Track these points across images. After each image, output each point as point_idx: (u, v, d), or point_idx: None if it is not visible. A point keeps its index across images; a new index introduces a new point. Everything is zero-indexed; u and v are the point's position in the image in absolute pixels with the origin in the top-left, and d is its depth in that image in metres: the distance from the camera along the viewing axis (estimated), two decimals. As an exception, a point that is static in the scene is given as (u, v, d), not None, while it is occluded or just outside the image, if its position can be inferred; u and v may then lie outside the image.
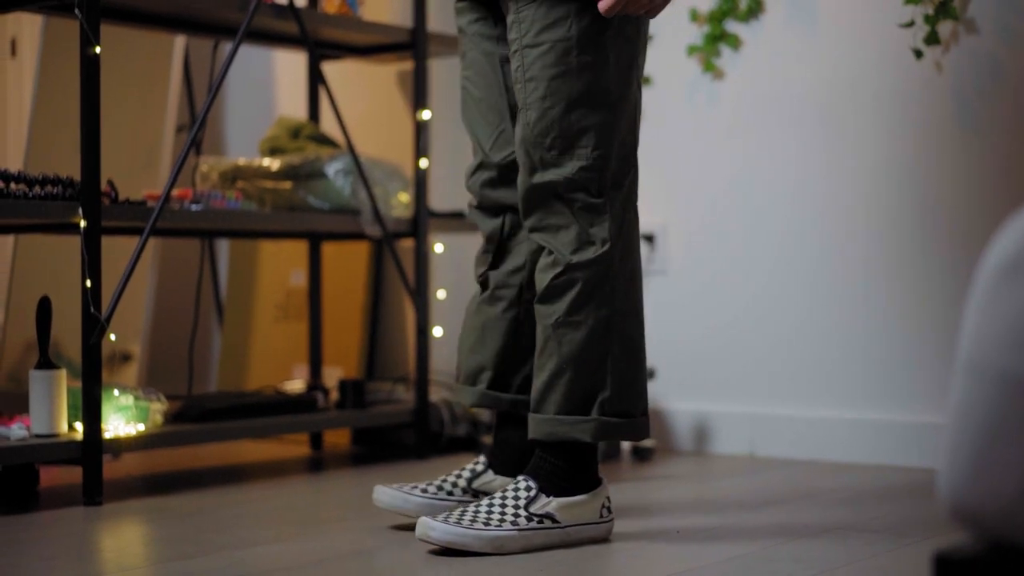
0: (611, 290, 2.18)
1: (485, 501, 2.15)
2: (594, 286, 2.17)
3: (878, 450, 3.08)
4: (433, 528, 2.07)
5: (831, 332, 3.17)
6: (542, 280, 2.20)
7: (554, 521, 2.14)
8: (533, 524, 2.12)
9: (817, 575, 1.94)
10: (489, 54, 2.34)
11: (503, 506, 2.13)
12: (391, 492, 2.33)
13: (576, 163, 2.16)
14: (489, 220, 2.39)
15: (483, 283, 2.40)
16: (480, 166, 2.37)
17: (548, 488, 2.15)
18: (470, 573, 1.99)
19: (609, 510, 2.22)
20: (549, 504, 2.14)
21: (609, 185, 2.19)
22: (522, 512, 2.12)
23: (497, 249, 2.38)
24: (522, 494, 2.14)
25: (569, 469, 2.18)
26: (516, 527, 2.11)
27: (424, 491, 2.33)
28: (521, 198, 2.22)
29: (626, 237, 2.21)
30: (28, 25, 4.36)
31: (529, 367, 2.33)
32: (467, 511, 2.12)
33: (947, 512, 1.09)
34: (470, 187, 2.40)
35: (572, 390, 2.17)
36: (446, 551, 2.08)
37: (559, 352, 2.17)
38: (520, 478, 2.17)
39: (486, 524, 2.09)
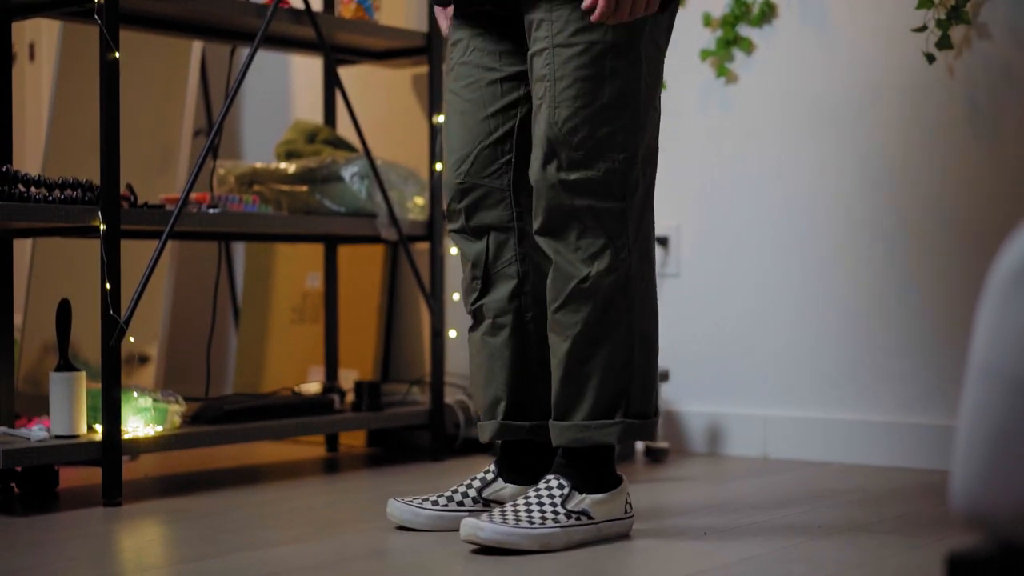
0: (632, 294, 2.20)
1: (521, 501, 2.17)
2: (616, 291, 2.18)
3: (891, 452, 3.08)
4: (481, 528, 2.09)
5: (844, 334, 3.18)
6: (560, 289, 2.19)
7: (589, 517, 2.17)
8: (572, 521, 2.15)
9: (831, 576, 1.96)
10: (489, 69, 2.32)
11: (540, 505, 2.15)
12: (401, 507, 2.34)
13: (604, 164, 2.16)
14: (473, 244, 2.35)
15: (476, 313, 2.36)
16: (463, 186, 2.33)
17: (580, 486, 2.18)
18: (488, 572, 2.00)
19: (631, 505, 2.26)
20: (584, 501, 2.17)
21: (632, 188, 2.20)
22: (560, 510, 2.15)
23: (484, 275, 2.35)
24: (556, 492, 2.17)
25: (595, 467, 2.20)
26: (558, 524, 2.13)
27: (434, 503, 2.34)
28: (539, 194, 2.20)
29: (643, 239, 2.22)
30: (46, 30, 4.39)
31: (541, 389, 2.33)
32: (507, 511, 2.14)
33: (960, 515, 1.10)
34: (453, 209, 2.36)
35: (600, 396, 2.19)
36: (488, 550, 2.09)
37: (585, 360, 2.19)
38: (550, 477, 2.19)
39: (530, 523, 2.11)
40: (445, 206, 2.39)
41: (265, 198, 3.23)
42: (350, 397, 3.39)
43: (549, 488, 2.17)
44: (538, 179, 2.20)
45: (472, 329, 2.38)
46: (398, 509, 2.34)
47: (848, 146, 3.18)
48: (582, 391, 2.19)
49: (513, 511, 2.14)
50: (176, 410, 2.89)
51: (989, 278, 1.10)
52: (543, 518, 2.13)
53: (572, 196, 2.17)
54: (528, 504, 2.15)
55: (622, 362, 2.19)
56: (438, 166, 3.31)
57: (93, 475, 2.75)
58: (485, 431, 2.37)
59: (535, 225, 2.22)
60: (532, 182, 2.22)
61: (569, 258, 2.18)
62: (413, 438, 3.61)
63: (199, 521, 2.52)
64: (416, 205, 3.33)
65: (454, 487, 2.38)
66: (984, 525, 1.08)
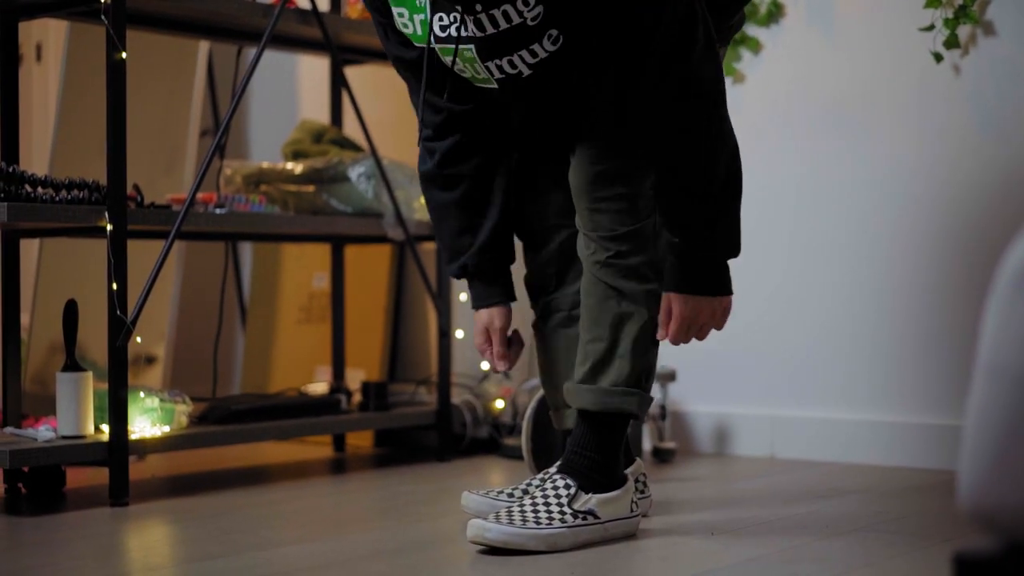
0: (654, 261, 2.24)
1: (527, 501, 2.17)
2: (642, 260, 2.22)
3: (898, 452, 3.08)
4: (488, 529, 2.09)
5: (851, 335, 3.18)
6: (596, 257, 2.23)
7: (595, 517, 2.17)
8: (579, 521, 2.15)
9: (838, 576, 1.96)
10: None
11: (547, 505, 2.15)
12: (478, 499, 2.38)
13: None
14: (546, 248, 2.42)
15: (548, 306, 2.42)
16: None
17: (586, 485, 2.18)
18: (497, 571, 2.00)
19: (637, 504, 2.27)
20: (590, 501, 2.18)
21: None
22: (567, 509, 2.15)
23: (558, 272, 2.40)
24: (562, 492, 2.17)
25: (604, 463, 2.20)
26: (565, 524, 2.14)
27: (510, 495, 2.38)
28: (591, 177, 2.23)
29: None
30: (53, 30, 4.39)
31: None
32: (513, 511, 2.14)
33: (966, 514, 1.10)
34: (550, 214, 2.39)
35: (634, 364, 2.22)
36: (495, 551, 2.09)
37: (619, 328, 2.22)
38: (556, 476, 2.20)
39: (537, 523, 2.11)
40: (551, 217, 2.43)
41: (272, 198, 3.23)
42: (357, 397, 3.40)
43: (556, 488, 2.17)
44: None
45: (541, 323, 2.43)
46: (475, 501, 2.38)
47: (855, 145, 3.17)
48: (612, 357, 2.22)
49: (520, 511, 2.14)
50: (183, 410, 2.89)
51: (995, 278, 1.10)
52: (550, 518, 2.13)
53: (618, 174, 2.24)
54: (535, 504, 2.15)
55: (652, 333, 2.24)
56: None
57: (100, 475, 2.76)
58: (570, 418, 2.38)
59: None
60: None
61: (598, 230, 2.23)
62: (420, 438, 3.61)
63: (206, 521, 2.52)
64: (422, 205, 3.33)
65: (529, 480, 2.40)
66: (991, 523, 1.08)
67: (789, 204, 3.27)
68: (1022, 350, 1.05)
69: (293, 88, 4.13)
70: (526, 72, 2.14)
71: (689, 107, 2.12)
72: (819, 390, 3.23)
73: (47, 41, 4.47)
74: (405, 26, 2.19)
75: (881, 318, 3.14)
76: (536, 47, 2.10)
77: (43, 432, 2.65)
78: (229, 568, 2.05)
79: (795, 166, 3.27)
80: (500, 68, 2.14)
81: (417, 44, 2.20)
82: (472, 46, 2.12)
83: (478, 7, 2.06)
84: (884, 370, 3.13)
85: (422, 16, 2.15)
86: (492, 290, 2.38)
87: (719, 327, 2.28)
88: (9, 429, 2.76)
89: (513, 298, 2.41)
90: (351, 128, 3.60)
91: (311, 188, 3.23)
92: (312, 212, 3.22)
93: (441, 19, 2.14)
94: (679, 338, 2.23)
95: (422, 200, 3.33)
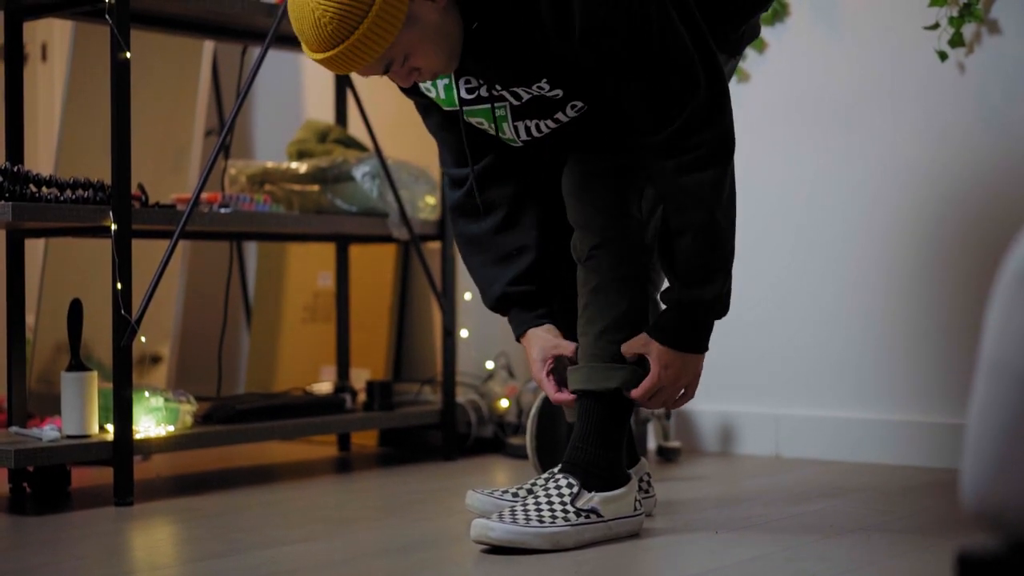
0: (637, 253, 2.27)
1: (531, 500, 2.17)
2: (627, 249, 2.25)
3: (903, 451, 3.08)
4: (492, 529, 2.09)
5: (855, 334, 3.18)
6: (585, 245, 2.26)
7: (598, 515, 2.17)
8: (582, 519, 2.15)
9: (841, 574, 1.95)
10: None
11: (550, 503, 2.15)
12: (483, 498, 2.38)
13: None
14: None
15: None
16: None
17: (589, 483, 2.18)
18: (501, 570, 2.00)
19: (640, 503, 2.27)
20: (593, 499, 2.18)
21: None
22: (570, 508, 2.15)
23: None
24: (565, 491, 2.17)
25: (605, 457, 2.21)
26: (568, 523, 2.14)
27: (515, 495, 2.37)
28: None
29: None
30: (58, 31, 4.40)
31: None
32: (516, 510, 2.14)
33: (970, 511, 1.10)
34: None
35: (615, 340, 2.23)
36: (499, 549, 2.10)
37: (604, 313, 2.24)
38: (559, 475, 2.20)
39: (540, 522, 2.12)
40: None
41: (276, 198, 3.23)
42: (362, 396, 3.40)
43: (558, 487, 2.18)
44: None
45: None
46: (479, 500, 2.38)
47: (860, 144, 3.17)
48: (597, 341, 2.23)
49: (523, 510, 2.14)
50: (188, 410, 2.89)
51: (998, 275, 1.10)
52: (553, 517, 2.13)
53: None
54: (538, 503, 2.16)
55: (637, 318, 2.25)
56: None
57: (105, 475, 2.76)
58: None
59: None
60: None
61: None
62: (425, 437, 3.61)
63: (211, 520, 2.52)
64: (427, 204, 3.34)
65: (534, 480, 2.40)
66: (994, 520, 1.08)
67: (794, 203, 3.27)
68: (1025, 348, 1.05)
69: (298, 88, 4.13)
70: (547, 131, 2.20)
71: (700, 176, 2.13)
72: (824, 389, 3.22)
73: (52, 41, 4.48)
74: (428, 91, 2.22)
75: (886, 317, 3.14)
76: (560, 115, 2.17)
77: (48, 431, 2.65)
78: (233, 567, 2.05)
79: (800, 165, 3.26)
80: (528, 131, 2.19)
81: (445, 108, 2.24)
82: (507, 104, 2.15)
83: (497, 87, 2.11)
84: (889, 369, 3.13)
85: (445, 81, 2.17)
86: (535, 312, 2.34)
87: (686, 398, 2.27)
88: (14, 429, 2.77)
89: (556, 321, 2.36)
90: (356, 128, 3.61)
91: (316, 187, 3.23)
92: (317, 212, 3.22)
93: (468, 81, 2.17)
94: (648, 398, 2.22)
95: (427, 199, 3.33)
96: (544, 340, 2.32)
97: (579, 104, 2.16)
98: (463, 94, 2.18)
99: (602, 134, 2.23)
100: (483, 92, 2.17)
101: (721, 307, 2.21)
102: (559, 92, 2.12)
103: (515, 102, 2.15)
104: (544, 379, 2.31)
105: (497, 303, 2.35)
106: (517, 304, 2.34)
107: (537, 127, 2.19)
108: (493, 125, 2.20)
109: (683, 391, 2.25)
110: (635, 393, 2.21)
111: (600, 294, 2.23)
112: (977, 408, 1.09)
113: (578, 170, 2.26)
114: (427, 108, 2.32)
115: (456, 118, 2.27)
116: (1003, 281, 1.09)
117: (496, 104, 2.16)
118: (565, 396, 2.28)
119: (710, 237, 2.13)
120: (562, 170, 2.32)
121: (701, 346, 2.23)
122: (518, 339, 2.37)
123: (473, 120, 2.22)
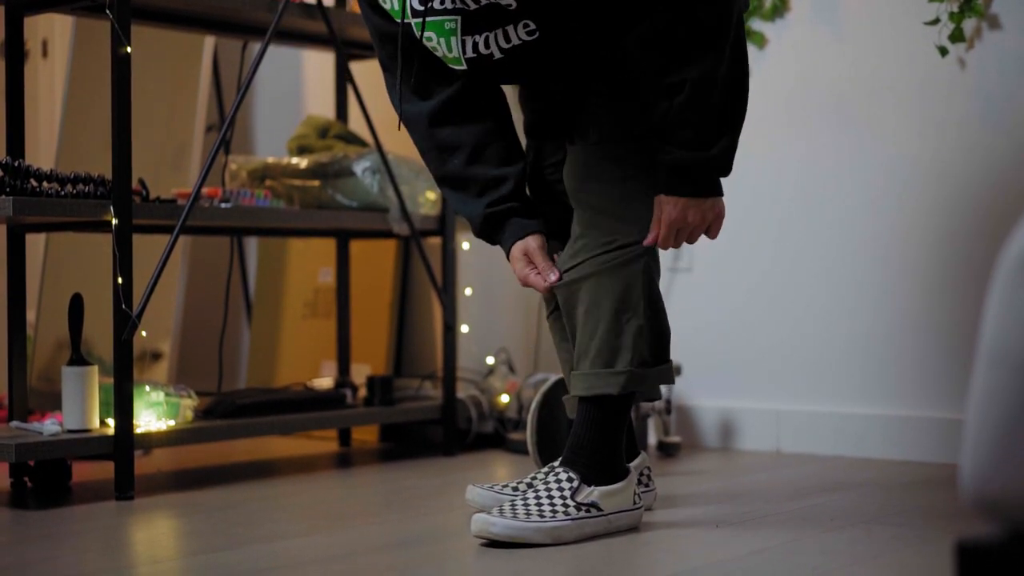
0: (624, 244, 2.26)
1: (531, 494, 2.17)
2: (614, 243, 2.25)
3: (904, 446, 3.08)
4: (492, 524, 2.10)
5: (856, 329, 3.18)
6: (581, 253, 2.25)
7: (599, 509, 2.18)
8: (582, 513, 2.16)
9: (843, 568, 1.95)
10: None
11: (551, 498, 2.15)
12: (483, 493, 2.38)
13: None
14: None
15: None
16: None
17: (588, 478, 2.19)
18: (502, 564, 2.00)
19: (640, 496, 2.27)
20: (592, 493, 2.18)
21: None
22: (570, 502, 2.15)
23: None
24: (565, 485, 2.17)
25: (604, 452, 2.21)
26: (568, 517, 2.14)
27: (515, 489, 2.38)
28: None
29: None
30: (59, 26, 4.40)
31: None
32: (516, 505, 2.15)
33: (969, 502, 1.10)
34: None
35: (609, 345, 2.22)
36: (499, 544, 2.10)
37: (596, 314, 2.23)
38: (559, 469, 2.20)
39: (541, 516, 2.12)
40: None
41: (277, 193, 3.24)
42: (362, 392, 3.40)
43: (558, 481, 2.18)
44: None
45: (553, 314, 2.42)
46: (480, 495, 2.38)
47: (860, 139, 3.17)
48: (590, 343, 2.22)
49: (523, 505, 2.14)
50: (188, 404, 2.89)
51: (997, 266, 1.10)
52: (553, 511, 2.13)
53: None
54: (538, 498, 2.16)
55: (625, 316, 2.22)
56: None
57: (106, 469, 2.76)
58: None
59: None
60: None
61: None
62: (425, 433, 3.61)
63: (211, 515, 2.52)
64: (428, 200, 3.34)
65: (533, 474, 2.40)
66: (994, 511, 1.08)
67: (794, 198, 3.27)
68: (1023, 338, 1.05)
69: (298, 83, 4.13)
70: (497, 55, 2.15)
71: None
72: (825, 384, 3.22)
73: (53, 36, 4.48)
74: (383, 1, 2.20)
75: (886, 312, 3.14)
76: (510, 31, 2.12)
77: (49, 426, 2.65)
78: (234, 561, 2.06)
79: (801, 160, 3.26)
80: (475, 46, 2.15)
81: (397, 20, 2.20)
82: (458, 18, 2.12)
83: None
84: (890, 364, 3.13)
85: None
86: (531, 222, 2.30)
87: (712, 234, 2.24)
88: (15, 423, 2.77)
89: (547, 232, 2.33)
90: (356, 123, 3.61)
91: (316, 183, 3.23)
92: (317, 207, 3.22)
93: None
94: (667, 242, 2.20)
95: (428, 195, 3.33)
96: (529, 245, 2.29)
97: (531, 26, 2.11)
98: (415, 4, 2.15)
99: (549, 65, 2.21)
100: (436, 4, 2.13)
101: (723, 163, 2.19)
102: (512, 2, 2.07)
103: (474, 5, 2.10)
104: (524, 271, 2.29)
105: (492, 210, 2.31)
106: (515, 212, 2.30)
107: (486, 42, 2.13)
108: (444, 40, 2.16)
109: (700, 228, 2.22)
110: (652, 240, 2.20)
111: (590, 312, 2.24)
112: (977, 398, 1.09)
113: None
114: (383, 37, 2.28)
115: (410, 50, 2.22)
116: (1001, 271, 1.08)
117: (447, 17, 2.13)
118: (551, 268, 2.27)
119: (713, 89, 2.13)
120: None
121: (708, 190, 2.20)
122: (510, 245, 2.32)
123: (428, 43, 2.19)
